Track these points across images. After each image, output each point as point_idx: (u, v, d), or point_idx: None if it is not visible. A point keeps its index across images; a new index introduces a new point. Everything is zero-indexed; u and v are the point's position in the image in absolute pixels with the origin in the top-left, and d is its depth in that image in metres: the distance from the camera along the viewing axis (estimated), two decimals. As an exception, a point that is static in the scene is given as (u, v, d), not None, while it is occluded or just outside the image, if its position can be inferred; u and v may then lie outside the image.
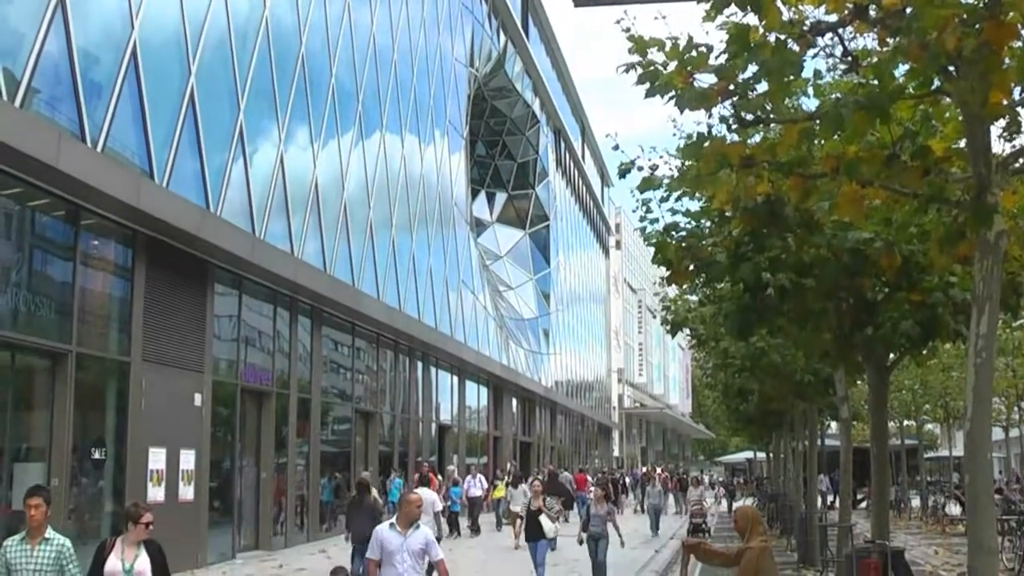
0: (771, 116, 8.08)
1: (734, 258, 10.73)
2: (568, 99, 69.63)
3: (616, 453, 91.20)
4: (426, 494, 20.70)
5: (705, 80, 7.68)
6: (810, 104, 10.25)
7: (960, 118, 7.71)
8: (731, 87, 7.65)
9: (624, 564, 23.60)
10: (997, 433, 39.37)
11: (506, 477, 35.13)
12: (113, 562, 8.76)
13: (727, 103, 7.83)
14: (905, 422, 46.01)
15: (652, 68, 7.72)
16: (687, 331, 22.83)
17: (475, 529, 31.61)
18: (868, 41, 7.96)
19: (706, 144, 7.99)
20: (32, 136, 15.32)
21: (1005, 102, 7.03)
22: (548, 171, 62.51)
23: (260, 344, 25.27)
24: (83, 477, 18.19)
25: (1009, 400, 38.36)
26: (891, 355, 13.79)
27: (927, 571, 20.65)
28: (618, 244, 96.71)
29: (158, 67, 20.16)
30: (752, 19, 7.26)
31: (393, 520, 10.12)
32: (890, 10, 7.01)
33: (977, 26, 6.58)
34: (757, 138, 9.42)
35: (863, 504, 41.51)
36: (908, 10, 6.80)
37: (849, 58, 7.95)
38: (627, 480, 53.87)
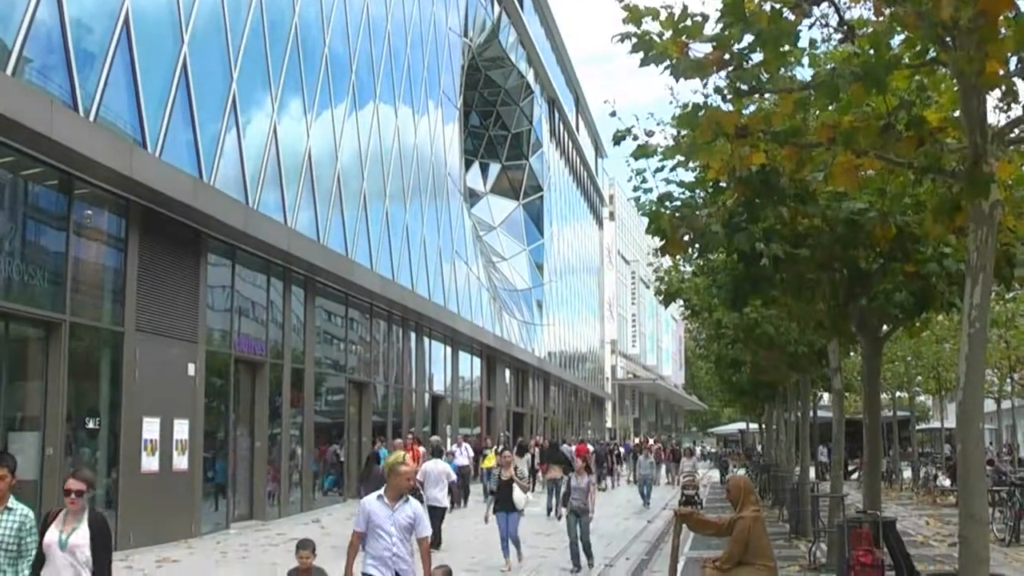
0: (766, 86, 8.06)
1: (728, 228, 10.72)
2: (562, 70, 69.40)
3: (609, 424, 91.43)
4: (438, 465, 20.99)
5: (700, 49, 7.65)
6: (805, 74, 10.22)
7: (956, 88, 7.70)
8: (726, 57, 7.63)
9: (616, 534, 23.73)
10: (989, 405, 39.48)
11: (496, 447, 34.81)
12: (51, 533, 8.13)
13: (722, 73, 7.81)
14: (898, 394, 46.10)
15: (647, 37, 7.69)
16: (680, 302, 22.88)
17: (463, 500, 31.78)
18: (864, 11, 7.94)
19: (701, 113, 7.97)
20: (24, 105, 15.26)
21: (1001, 72, 7.02)
22: (542, 142, 62.37)
23: (253, 314, 25.25)
24: (77, 447, 18.21)
25: (1002, 372, 38.44)
26: (884, 326, 13.83)
27: (918, 541, 20.74)
28: (612, 215, 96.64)
29: (150, 36, 20.06)
30: (748, -12, 7.23)
31: (381, 492, 9.50)
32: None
33: (973, -5, 6.55)
34: (752, 108, 9.39)
35: (855, 475, 41.67)
36: (904, -21, 6.77)
37: (845, 28, 7.93)
38: (621, 451, 53.93)
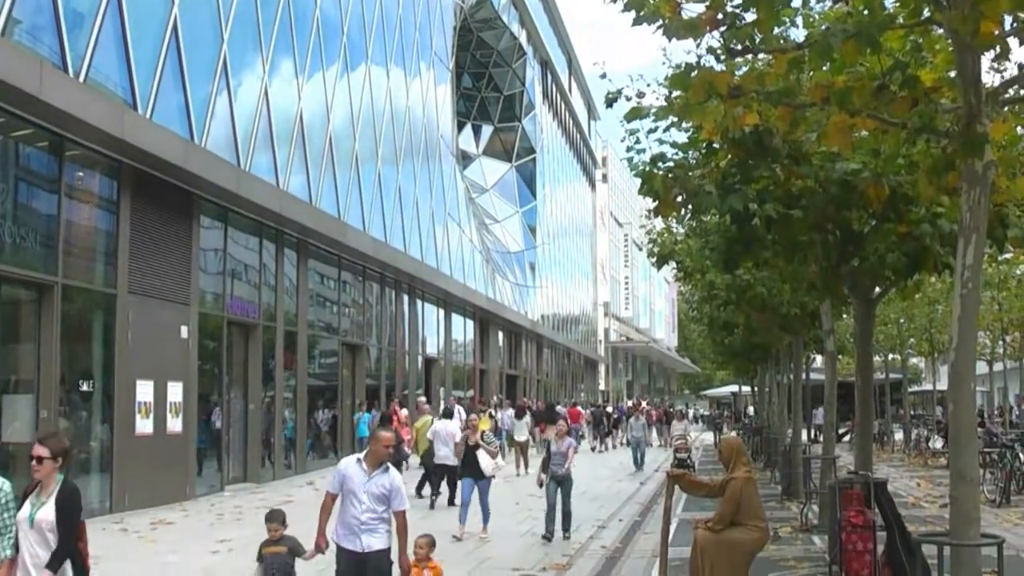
0: (760, 46, 8.02)
1: (721, 189, 10.69)
2: (555, 31, 69.06)
3: (602, 387, 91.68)
4: (448, 426, 21.31)
5: (693, 9, 7.61)
6: (799, 34, 10.18)
7: (950, 48, 7.66)
8: (720, 16, 7.59)
9: (609, 496, 23.83)
10: (981, 367, 39.59)
11: (490, 409, 34.68)
12: (24, 508, 7.37)
13: (715, 33, 7.76)
14: (890, 356, 46.22)
15: (640, -3, 7.64)
16: (673, 264, 22.85)
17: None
18: (858, -31, 7.88)
19: (694, 74, 7.93)
20: (14, 66, 15.18)
21: (996, 32, 6.98)
22: (534, 104, 62.16)
23: (246, 277, 25.22)
24: (71, 409, 18.23)
25: (994, 334, 38.52)
26: (877, 288, 13.83)
27: (909, 503, 20.85)
28: (604, 177, 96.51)
29: (141, -4, 19.93)
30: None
31: (361, 456, 9.09)
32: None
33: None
34: (746, 69, 9.35)
35: (846, 438, 41.83)
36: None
37: (839, -13, 7.88)
38: (615, 414, 53.71)
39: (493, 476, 17.11)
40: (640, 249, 54.57)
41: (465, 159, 54.56)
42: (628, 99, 9.73)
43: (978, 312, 7.61)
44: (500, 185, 59.76)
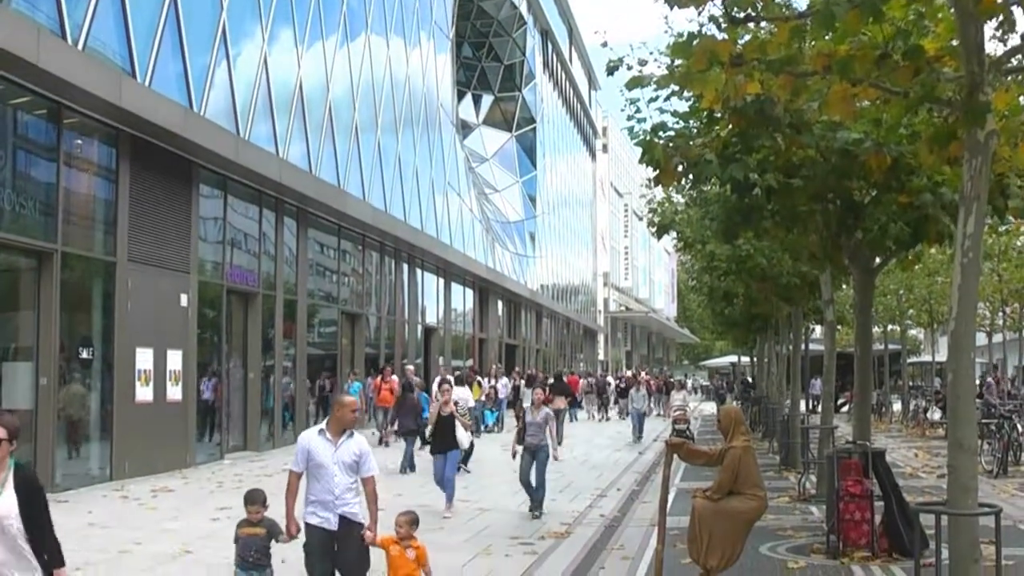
0: (762, 14, 7.98)
1: (722, 159, 10.67)
2: (556, 1, 68.73)
3: (601, 356, 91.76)
4: (464, 392, 22.28)
5: (696, -24, 7.56)
6: (801, 2, 10.13)
7: (953, 17, 7.62)
8: (722, -16, 7.54)
9: (608, 465, 23.91)
10: (980, 339, 39.62)
11: (478, 378, 33.98)
12: None
13: (717, 1, 7.72)
14: (889, 327, 46.23)
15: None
16: (673, 234, 22.85)
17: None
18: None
19: (695, 42, 7.89)
20: (12, 34, 15.10)
21: (999, 0, 6.94)
22: (535, 73, 61.91)
23: (246, 246, 25.20)
24: (71, 377, 18.25)
25: (993, 305, 38.54)
26: (877, 258, 13.83)
27: (907, 473, 20.92)
28: (605, 148, 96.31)
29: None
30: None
31: (323, 425, 8.61)
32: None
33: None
34: (748, 37, 9.31)
35: (844, 408, 41.92)
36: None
37: (842, -45, 7.83)
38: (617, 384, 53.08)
39: (464, 450, 16.62)
40: (640, 219, 54.49)
41: (465, 129, 54.39)
42: (629, 68, 9.72)
43: (978, 282, 7.61)
44: (500, 155, 59.60)
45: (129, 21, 19.18)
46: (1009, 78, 8.10)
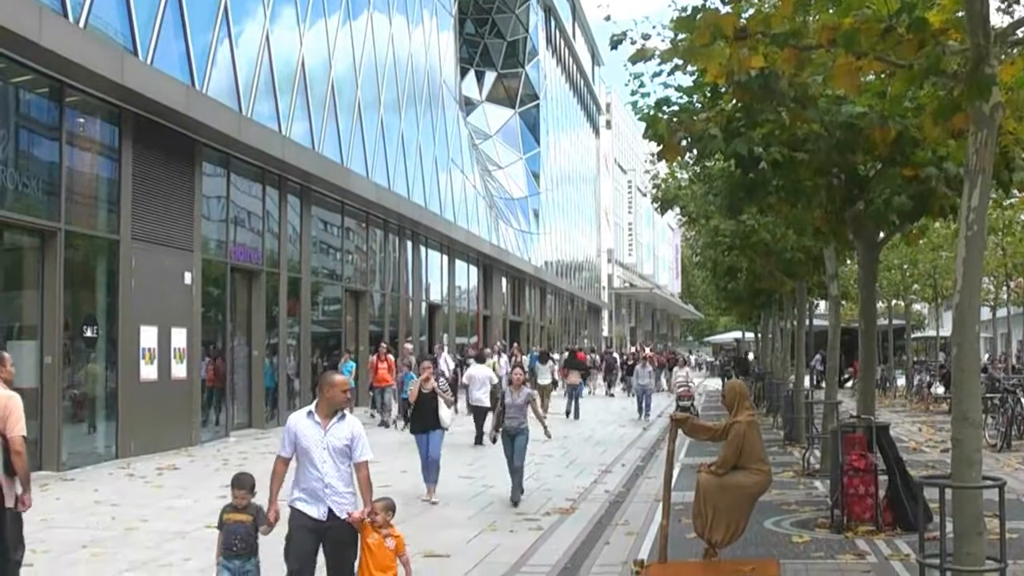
0: (766, -13, 7.94)
1: (726, 133, 10.64)
2: (559, -24, 68.53)
3: (605, 333, 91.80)
4: (482, 370, 22.77)
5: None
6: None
7: (958, -11, 7.58)
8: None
9: (612, 441, 23.94)
10: (985, 313, 39.57)
11: (492, 353, 33.40)
12: None
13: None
14: (893, 302, 46.19)
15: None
16: (677, 209, 22.81)
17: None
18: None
19: (699, 15, 7.85)
20: (13, 11, 15.10)
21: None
22: (538, 50, 61.73)
23: (249, 224, 25.19)
24: (76, 355, 18.28)
25: (998, 279, 38.48)
26: (881, 232, 13.80)
27: (911, 447, 20.94)
28: (608, 124, 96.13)
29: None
30: None
31: (312, 407, 7.96)
32: None
33: None
34: (751, 11, 9.26)
35: (848, 384, 41.92)
36: None
37: (847, -74, 7.78)
38: (619, 360, 52.90)
39: (447, 428, 15.18)
40: (644, 195, 54.35)
41: (468, 105, 54.28)
42: (633, 42, 9.66)
43: (983, 255, 7.59)
44: (503, 131, 59.50)
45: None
46: (1015, 50, 8.06)
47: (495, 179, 55.49)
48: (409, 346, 29.53)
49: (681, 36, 8.65)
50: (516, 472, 14.59)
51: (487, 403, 22.10)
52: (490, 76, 60.22)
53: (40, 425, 17.02)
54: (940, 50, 7.60)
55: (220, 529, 8.08)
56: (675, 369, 42.75)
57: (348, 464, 7.83)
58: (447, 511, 13.83)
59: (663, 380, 47.29)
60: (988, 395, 21.98)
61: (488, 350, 32.49)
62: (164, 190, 20.51)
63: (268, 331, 25.66)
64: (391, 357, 27.03)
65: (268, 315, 25.63)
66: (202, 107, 20.74)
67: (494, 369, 29.17)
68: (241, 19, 24.38)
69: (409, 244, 38.03)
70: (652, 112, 10.93)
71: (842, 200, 12.58)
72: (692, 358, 65.75)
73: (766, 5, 9.12)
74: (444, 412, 14.98)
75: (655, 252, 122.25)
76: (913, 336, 52.58)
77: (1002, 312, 42.66)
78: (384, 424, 25.86)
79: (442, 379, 15.78)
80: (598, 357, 50.26)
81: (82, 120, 18.48)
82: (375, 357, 27.29)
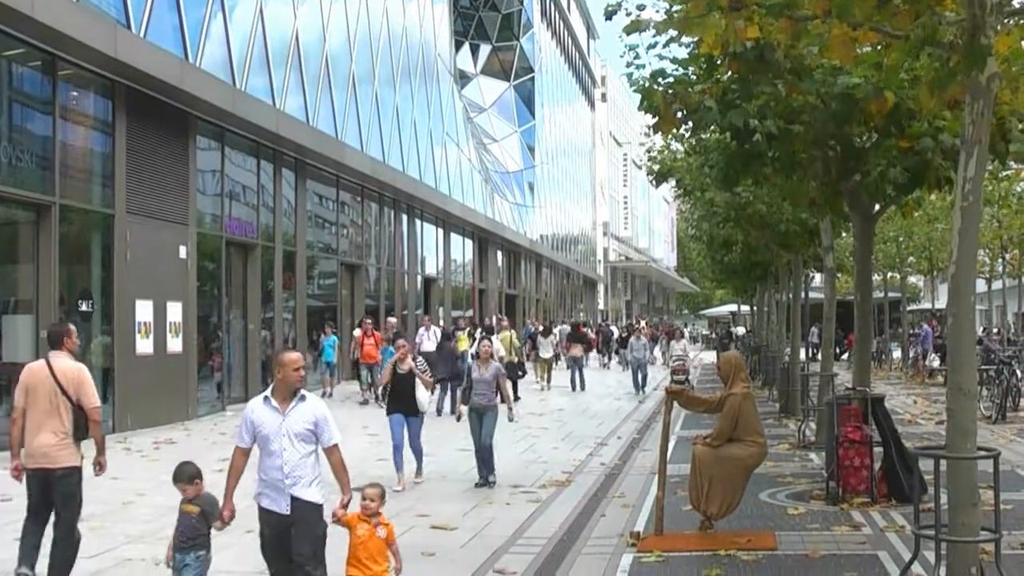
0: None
1: (722, 105, 10.61)
2: (554, -52, 68.22)
3: (601, 306, 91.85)
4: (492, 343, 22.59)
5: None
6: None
7: (954, -42, 7.55)
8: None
9: (608, 413, 23.99)
10: (980, 286, 39.59)
11: (470, 328, 31.40)
12: None
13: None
14: (889, 274, 46.19)
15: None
16: (672, 182, 22.78)
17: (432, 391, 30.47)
18: None
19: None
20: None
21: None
22: (533, 22, 61.51)
23: (244, 197, 25.14)
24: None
25: (993, 252, 38.48)
26: (877, 204, 13.79)
27: (906, 419, 20.98)
28: (604, 97, 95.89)
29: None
30: None
31: (268, 392, 7.36)
32: None
33: None
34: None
35: (844, 356, 41.98)
36: None
37: None
38: (616, 332, 52.81)
39: (425, 412, 14.11)
40: (639, 168, 54.29)
41: (463, 79, 54.11)
42: (628, 13, 9.62)
43: (979, 226, 7.58)
44: (498, 104, 59.33)
45: (123, -29, 19.04)
46: (1011, 21, 8.03)
47: (490, 152, 55.39)
48: (393, 320, 28.91)
49: (676, 7, 8.63)
50: (485, 451, 13.83)
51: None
52: (485, 49, 59.99)
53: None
54: (936, 20, 7.58)
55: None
56: (672, 342, 42.73)
57: (313, 450, 7.27)
58: (443, 484, 13.86)
59: (657, 352, 47.27)
60: (984, 367, 22.00)
61: (504, 322, 32.65)
62: (158, 164, 20.45)
63: (264, 305, 25.63)
64: (378, 333, 26.09)
65: (263, 289, 25.61)
66: (196, 81, 20.66)
67: (511, 342, 29.30)
68: (234, -8, 24.28)
69: (404, 218, 37.97)
70: (647, 84, 10.89)
71: (838, 172, 12.56)
72: (687, 331, 65.51)
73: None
74: (422, 394, 13.77)
75: (651, 225, 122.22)
76: (909, 309, 52.61)
77: (997, 285, 42.63)
78: (364, 402, 25.03)
79: (420, 359, 14.62)
80: (591, 331, 50.23)
81: (75, 94, 18.41)
82: (361, 332, 26.47)
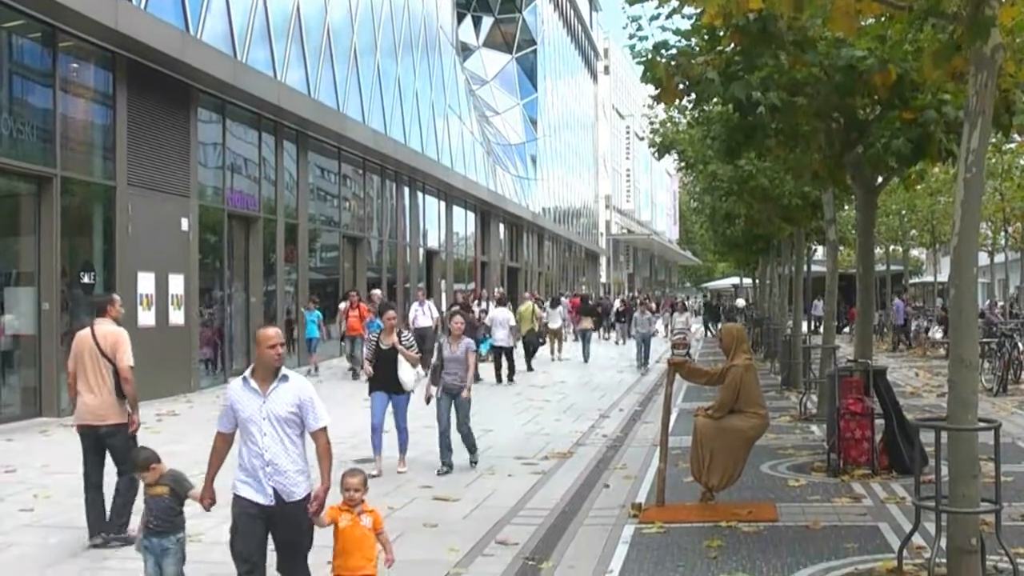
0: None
1: (725, 77, 10.57)
2: (556, -81, 67.87)
3: (603, 279, 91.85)
4: (503, 312, 24.95)
5: None
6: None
7: (959, -72, 7.50)
8: None
9: (611, 386, 24.05)
10: (982, 259, 39.57)
11: (466, 301, 31.17)
12: None
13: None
14: (891, 247, 46.17)
15: None
16: (675, 154, 22.73)
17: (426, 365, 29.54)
18: None
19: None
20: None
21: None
22: (535, -6, 61.30)
23: (246, 170, 25.11)
24: (73, 302, 18.26)
25: (995, 224, 38.44)
26: (879, 177, 13.76)
27: (908, 392, 21.01)
28: (606, 70, 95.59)
29: None
30: None
31: (247, 372, 6.83)
32: None
33: None
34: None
35: (846, 329, 41.97)
36: None
37: None
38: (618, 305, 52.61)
39: (412, 391, 12.97)
40: (641, 140, 54.07)
41: (465, 51, 53.90)
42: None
43: (981, 198, 7.57)
44: (501, 77, 59.12)
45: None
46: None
47: (492, 125, 55.25)
48: (377, 292, 28.03)
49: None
50: (466, 436, 13.03)
51: (509, 343, 25.05)
52: (487, 21, 59.72)
53: (39, 371, 17.07)
54: (940, -9, 7.54)
55: (144, 504, 7.23)
56: (675, 315, 42.71)
57: (298, 435, 6.71)
58: (445, 456, 13.90)
59: (660, 325, 47.21)
60: (985, 340, 22.01)
61: (526, 294, 33.09)
62: (160, 136, 20.41)
63: (266, 278, 25.63)
64: (364, 306, 25.03)
65: (265, 262, 25.60)
66: (197, 53, 20.59)
67: (533, 314, 29.43)
68: (235, -37, 24.16)
69: (406, 190, 37.93)
70: (650, 56, 10.85)
71: (841, 144, 12.53)
72: (690, 303, 65.32)
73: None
74: (406, 373, 12.70)
75: (653, 198, 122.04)
76: (911, 282, 52.62)
77: (1000, 258, 42.60)
78: (355, 375, 23.97)
79: (406, 333, 13.34)
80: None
81: (76, 66, 18.35)
82: (347, 304, 25.56)
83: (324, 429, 6.73)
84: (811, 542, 9.02)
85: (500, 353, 25.03)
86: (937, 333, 33.91)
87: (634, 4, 9.25)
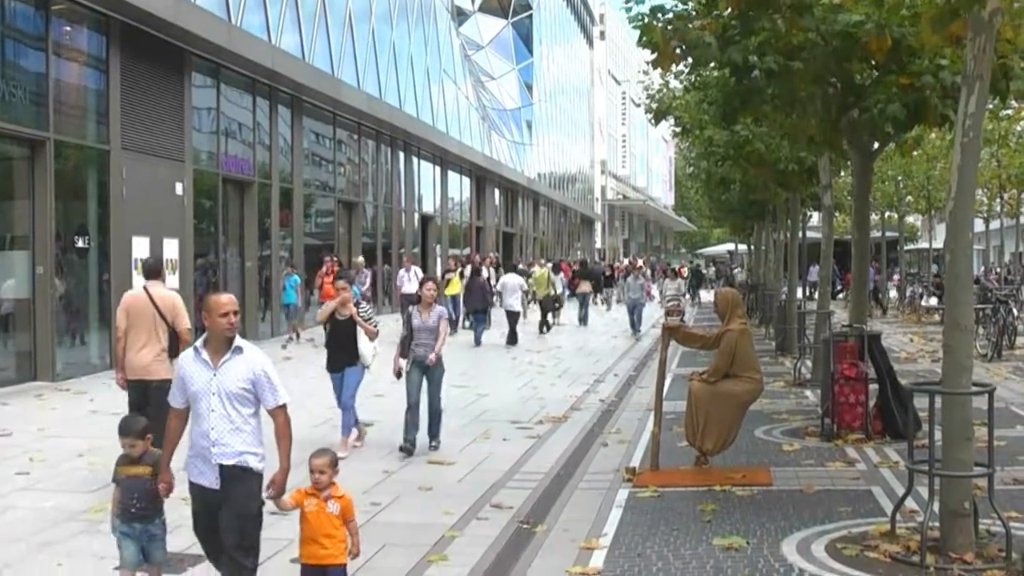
0: None
1: (721, 41, 10.53)
2: None
3: (599, 245, 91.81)
4: (514, 278, 25.97)
5: None
6: None
7: None
8: None
9: (606, 351, 24.08)
10: (978, 225, 39.57)
11: (459, 268, 31.09)
12: None
13: None
14: (887, 213, 46.11)
15: None
16: (671, 120, 22.67)
17: None
18: None
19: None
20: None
21: None
22: (531, -42, 60.95)
23: (240, 135, 25.02)
24: (68, 266, 18.24)
25: (991, 191, 38.42)
26: (876, 142, 13.74)
27: (902, 357, 21.04)
28: (602, 35, 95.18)
29: None
30: None
31: (198, 343, 6.26)
32: None
33: None
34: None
35: (840, 295, 42.02)
36: None
37: None
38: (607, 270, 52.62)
39: (368, 367, 12.20)
40: (637, 106, 53.84)
41: (460, 16, 53.59)
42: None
43: (978, 163, 7.56)
44: (496, 42, 58.80)
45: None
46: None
47: (487, 90, 55.04)
48: (360, 259, 28.03)
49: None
50: (435, 414, 12.05)
51: (518, 308, 26.26)
52: (483, -15, 59.41)
53: (34, 336, 17.06)
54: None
55: (116, 484, 6.57)
56: (667, 280, 42.69)
57: (251, 414, 6.18)
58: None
59: (655, 291, 47.16)
60: (980, 305, 22.04)
61: (542, 260, 33.52)
62: (153, 100, 20.32)
63: (260, 243, 25.59)
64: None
65: (260, 227, 25.55)
66: (191, 16, 20.47)
67: (548, 278, 29.94)
68: (229, -75, 23.98)
69: (401, 155, 37.83)
70: (647, 20, 10.80)
71: (837, 109, 12.50)
72: (685, 270, 65.31)
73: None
74: (364, 346, 12.00)
75: (648, 164, 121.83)
76: (906, 248, 52.59)
77: (995, 224, 42.61)
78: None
79: (364, 304, 12.61)
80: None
81: (69, 29, 18.25)
82: (323, 270, 24.79)
83: (283, 407, 6.19)
84: (805, 506, 9.06)
85: (509, 317, 25.92)
86: (932, 300, 33.97)
87: (631, -33, 9.22)
